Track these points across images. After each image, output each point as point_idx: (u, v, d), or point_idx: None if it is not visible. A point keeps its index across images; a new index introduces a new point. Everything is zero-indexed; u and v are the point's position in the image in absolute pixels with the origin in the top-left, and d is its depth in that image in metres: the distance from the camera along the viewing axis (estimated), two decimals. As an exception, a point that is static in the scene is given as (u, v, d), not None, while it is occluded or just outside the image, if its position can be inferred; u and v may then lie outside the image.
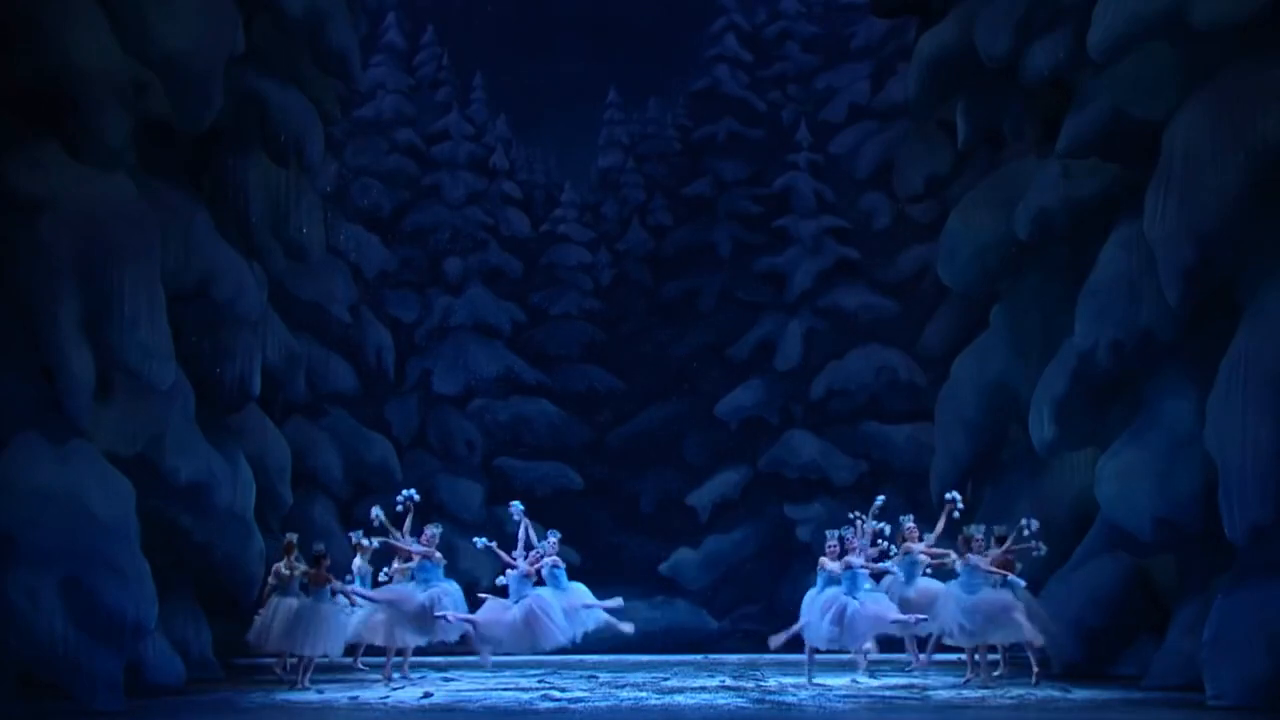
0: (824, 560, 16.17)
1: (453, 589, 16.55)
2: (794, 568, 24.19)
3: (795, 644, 16.60)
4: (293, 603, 15.84)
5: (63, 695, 14.33)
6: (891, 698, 14.81)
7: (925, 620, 16.09)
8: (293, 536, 16.54)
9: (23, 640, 14.13)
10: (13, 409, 14.76)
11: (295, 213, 20.01)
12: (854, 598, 15.87)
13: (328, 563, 16.06)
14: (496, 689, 15.61)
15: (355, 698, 14.53)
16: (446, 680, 16.87)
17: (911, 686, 15.77)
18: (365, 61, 24.93)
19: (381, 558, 17.32)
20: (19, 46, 14.78)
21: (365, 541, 17.16)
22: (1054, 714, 13.59)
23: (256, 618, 16.14)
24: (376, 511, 16.59)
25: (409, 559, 16.76)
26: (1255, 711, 13.26)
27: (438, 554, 16.68)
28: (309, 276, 22.86)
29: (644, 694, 15.02)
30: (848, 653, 16.93)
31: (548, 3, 32.10)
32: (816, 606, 15.99)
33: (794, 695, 14.92)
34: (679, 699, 14.59)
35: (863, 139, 29.03)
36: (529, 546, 16.51)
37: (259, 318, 18.86)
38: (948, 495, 16.97)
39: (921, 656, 17.50)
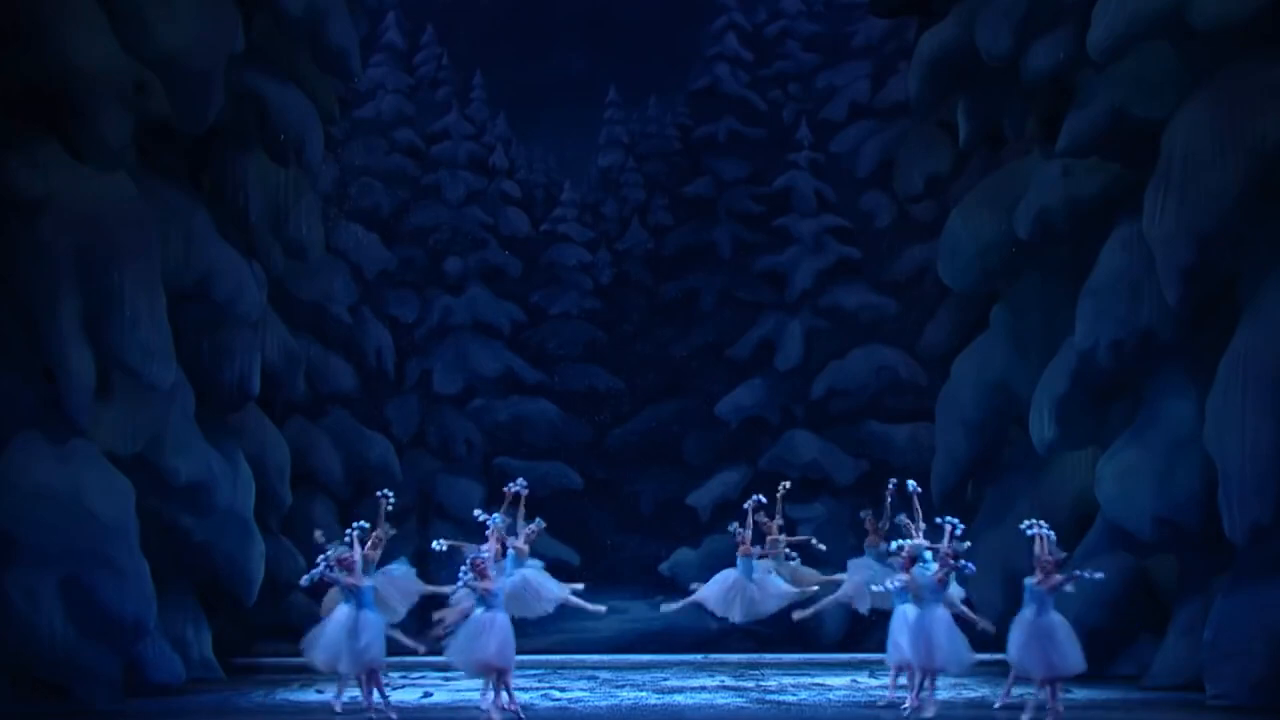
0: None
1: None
2: (794, 568, 24.12)
3: (795, 644, 16.59)
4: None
5: (62, 695, 14.35)
6: (891, 697, 14.80)
7: None
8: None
9: (23, 640, 14.15)
10: (13, 409, 14.78)
11: (295, 212, 20.01)
12: None
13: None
14: (496, 689, 15.59)
15: (355, 698, 14.51)
16: (446, 680, 16.85)
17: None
18: (365, 61, 24.86)
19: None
20: (19, 46, 14.80)
21: None
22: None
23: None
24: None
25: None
26: (1255, 711, 13.28)
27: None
28: (309, 276, 22.84)
29: (644, 694, 15.03)
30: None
31: (548, 2, 32.03)
32: None
33: (794, 695, 14.92)
34: (679, 699, 14.60)
35: (863, 138, 28.94)
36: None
37: (259, 317, 18.85)
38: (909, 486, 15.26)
39: None
